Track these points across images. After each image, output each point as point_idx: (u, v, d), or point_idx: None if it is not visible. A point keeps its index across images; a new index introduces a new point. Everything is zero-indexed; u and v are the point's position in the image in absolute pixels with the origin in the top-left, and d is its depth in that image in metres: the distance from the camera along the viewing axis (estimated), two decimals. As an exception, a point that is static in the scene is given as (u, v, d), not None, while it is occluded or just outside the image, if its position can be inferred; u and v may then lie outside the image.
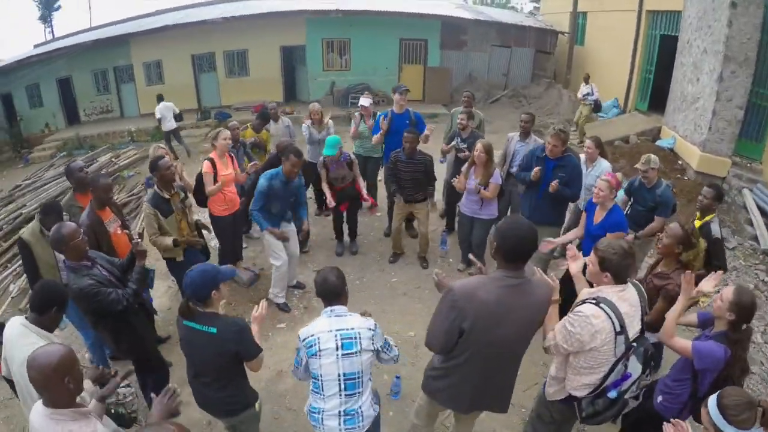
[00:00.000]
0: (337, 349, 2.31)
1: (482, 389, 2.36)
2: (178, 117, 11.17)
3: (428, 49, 13.45)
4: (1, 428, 3.67)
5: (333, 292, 2.42)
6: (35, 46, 19.21)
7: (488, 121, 10.85)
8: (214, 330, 2.35)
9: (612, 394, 2.21)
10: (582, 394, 2.28)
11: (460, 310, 2.12)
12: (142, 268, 3.11)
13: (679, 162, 7.45)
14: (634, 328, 2.18)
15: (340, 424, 2.38)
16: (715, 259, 3.35)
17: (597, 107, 9.82)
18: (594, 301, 2.17)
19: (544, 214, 4.34)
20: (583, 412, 2.31)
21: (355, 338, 2.33)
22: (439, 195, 6.05)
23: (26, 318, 2.48)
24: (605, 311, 2.12)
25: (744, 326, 2.29)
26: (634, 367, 2.18)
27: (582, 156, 4.75)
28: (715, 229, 3.47)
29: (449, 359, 2.31)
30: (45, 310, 2.48)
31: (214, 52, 14.08)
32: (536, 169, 4.26)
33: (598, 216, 3.66)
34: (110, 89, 15.22)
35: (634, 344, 2.18)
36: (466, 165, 4.80)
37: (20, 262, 5.07)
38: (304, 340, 2.37)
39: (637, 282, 2.31)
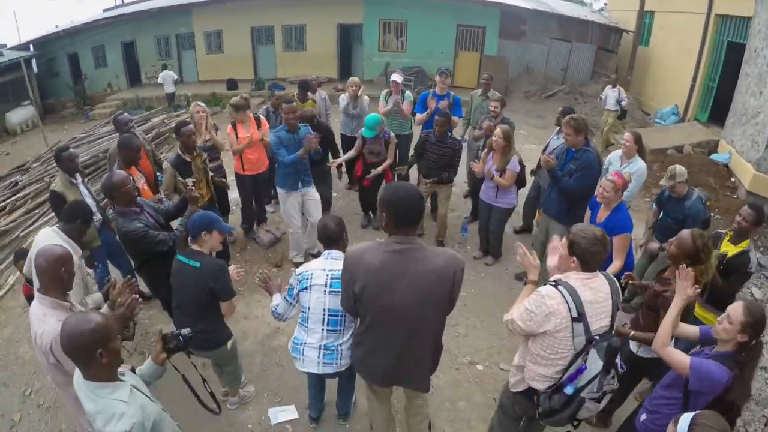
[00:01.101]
0: (326, 285, 2.57)
1: (393, 362, 2.39)
2: (177, 82, 13.94)
3: (486, 37, 13.28)
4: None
5: (331, 238, 2.68)
6: (104, 11, 20.20)
7: (540, 116, 11.27)
8: (198, 264, 2.74)
9: (568, 390, 2.10)
10: (540, 387, 2.20)
11: (351, 273, 2.24)
12: (191, 213, 3.36)
13: (732, 179, 7.38)
14: (599, 322, 2.10)
15: (319, 357, 2.63)
16: (733, 288, 3.19)
17: (623, 114, 9.48)
18: (553, 283, 2.14)
19: (553, 208, 4.28)
20: (540, 407, 2.21)
21: None
22: (460, 178, 6.11)
23: (57, 226, 3.09)
24: (562, 293, 2.07)
25: (753, 342, 2.11)
26: (594, 361, 2.06)
27: (618, 151, 4.64)
28: (754, 260, 3.19)
29: (359, 326, 2.43)
30: (72, 220, 3.11)
31: (273, 26, 14.52)
32: (544, 155, 4.21)
33: (602, 215, 3.54)
34: (172, 55, 15.98)
35: (597, 337, 2.09)
36: (485, 150, 4.85)
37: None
38: (299, 274, 2.66)
39: (612, 277, 2.22)
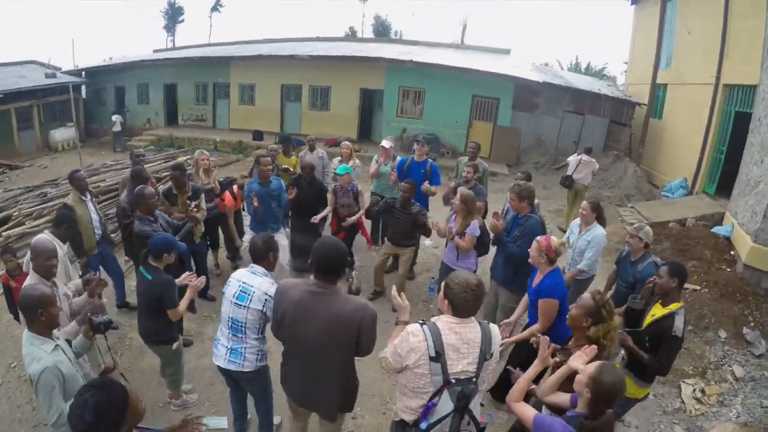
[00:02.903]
0: (233, 296, 2.92)
1: (307, 386, 2.69)
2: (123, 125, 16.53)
3: (499, 108, 13.61)
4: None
5: (257, 254, 3.02)
6: (154, 51, 22.25)
7: (546, 187, 11.15)
8: (150, 277, 3.35)
9: (423, 425, 2.22)
10: (408, 419, 2.30)
11: (277, 302, 2.63)
12: (188, 228, 4.59)
13: (732, 252, 7.19)
14: (459, 366, 2.16)
15: (226, 354, 2.99)
16: (662, 357, 3.03)
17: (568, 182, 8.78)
18: (421, 321, 2.25)
19: (500, 273, 4.36)
20: None
21: (250, 294, 2.88)
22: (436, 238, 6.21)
23: (48, 230, 3.98)
24: (424, 332, 2.18)
25: (605, 414, 2.04)
26: (445, 402, 2.17)
27: (578, 219, 4.70)
28: (679, 325, 3.00)
29: (284, 349, 2.73)
30: (59, 225, 4.01)
31: (301, 85, 15.44)
32: (492, 220, 4.27)
33: (536, 279, 3.52)
34: (208, 101, 17.17)
35: (453, 381, 2.16)
36: (450, 211, 5.00)
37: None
38: (241, 283, 2.98)
39: (489, 325, 2.27)
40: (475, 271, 4.81)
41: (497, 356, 2.28)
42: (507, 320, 3.79)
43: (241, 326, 2.90)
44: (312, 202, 5.85)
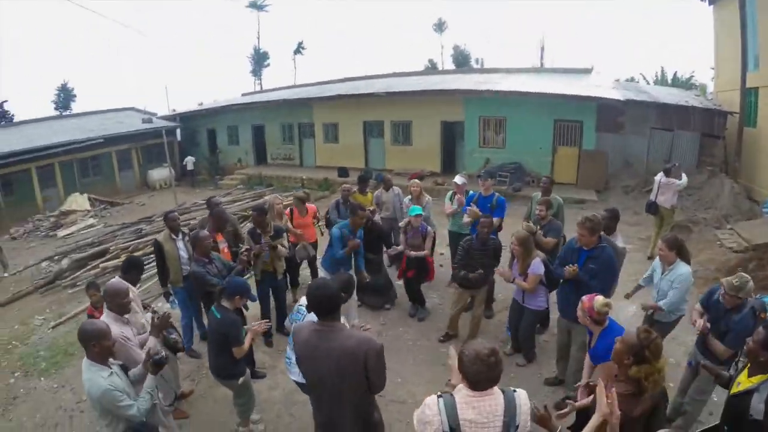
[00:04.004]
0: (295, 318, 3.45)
1: (327, 420, 2.84)
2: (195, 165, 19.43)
3: (583, 131, 13.25)
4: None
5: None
6: (243, 95, 23.99)
7: (637, 213, 10.68)
8: (219, 316, 3.76)
9: None
10: None
11: (293, 344, 2.87)
12: (238, 270, 4.85)
13: None
14: None
15: (294, 368, 3.32)
16: None
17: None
18: (439, 393, 2.20)
19: (572, 311, 3.83)
20: None
21: (302, 313, 3.38)
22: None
23: (118, 276, 4.35)
24: (439, 406, 2.13)
25: None
26: None
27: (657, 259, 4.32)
28: (758, 405, 2.48)
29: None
30: (128, 271, 4.39)
31: (383, 121, 16.07)
32: (570, 267, 4.07)
33: (592, 340, 3.40)
34: (294, 141, 18.38)
35: None
36: (509, 257, 4.95)
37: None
38: (298, 305, 3.55)
39: (515, 393, 2.17)
40: (546, 309, 4.95)
41: (526, 426, 2.15)
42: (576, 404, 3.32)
43: None
44: (374, 243, 6.22)
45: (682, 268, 4.04)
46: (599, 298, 3.22)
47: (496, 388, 2.14)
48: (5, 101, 39.35)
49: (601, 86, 14.28)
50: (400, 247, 6.09)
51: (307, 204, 6.85)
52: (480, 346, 2.11)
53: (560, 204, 6.07)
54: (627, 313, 5.39)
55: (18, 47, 75.90)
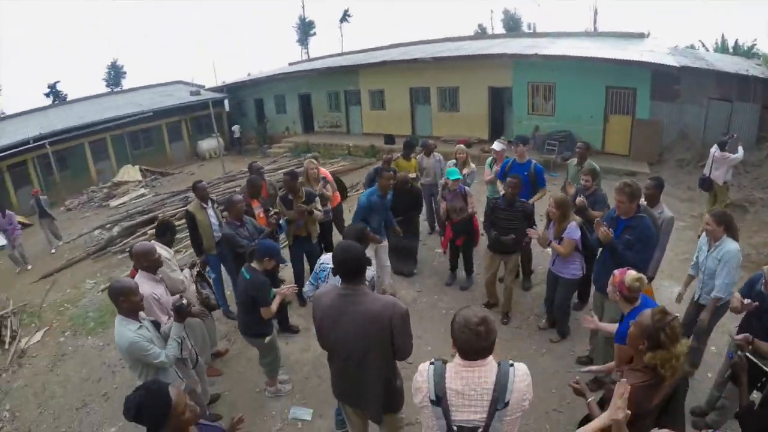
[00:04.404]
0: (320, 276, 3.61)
1: (349, 387, 2.86)
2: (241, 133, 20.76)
3: (637, 99, 12.67)
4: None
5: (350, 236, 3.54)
6: (290, 64, 24.53)
7: (691, 188, 10.14)
8: (248, 276, 3.86)
9: None
10: None
11: (314, 309, 2.78)
12: (267, 234, 5.00)
13: None
14: (465, 414, 2.01)
15: None
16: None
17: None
18: (432, 360, 2.15)
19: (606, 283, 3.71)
20: None
21: (327, 271, 3.53)
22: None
23: (155, 240, 4.58)
24: (428, 373, 2.08)
25: None
26: None
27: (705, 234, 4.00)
28: None
29: (328, 355, 2.93)
30: (163, 235, 4.68)
31: (429, 87, 16.00)
32: (602, 228, 3.78)
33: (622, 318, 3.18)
34: (340, 108, 18.65)
35: (453, 428, 2.02)
36: (545, 221, 4.87)
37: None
38: (320, 264, 3.68)
39: (513, 368, 2.04)
40: (581, 276, 4.61)
41: (518, 406, 2.01)
42: (593, 368, 3.33)
43: None
44: (409, 206, 6.15)
45: (730, 245, 3.74)
46: (631, 272, 2.98)
47: (490, 360, 2.04)
48: (58, 81, 41.75)
49: (656, 52, 13.47)
50: (443, 207, 5.84)
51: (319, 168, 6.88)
52: (470, 313, 2.01)
53: (598, 172, 5.73)
54: (671, 294, 4.93)
55: (69, 29, 79.77)
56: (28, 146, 15.74)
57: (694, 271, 4.18)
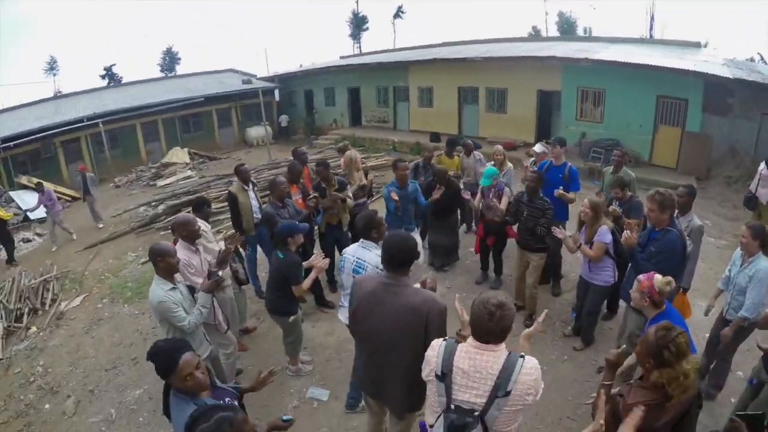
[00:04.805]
0: (351, 271, 3.48)
1: (374, 378, 2.85)
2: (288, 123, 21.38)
3: (688, 111, 12.32)
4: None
5: (363, 229, 3.53)
6: (341, 57, 25.06)
7: (737, 206, 9.73)
8: (282, 256, 4.03)
9: None
10: (428, 421, 2.23)
11: (352, 294, 2.79)
12: (305, 216, 5.23)
13: None
14: (465, 395, 2.03)
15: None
16: None
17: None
18: (446, 338, 2.21)
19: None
20: None
21: (365, 268, 3.42)
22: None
23: (193, 213, 4.75)
24: (440, 348, 2.13)
25: None
26: (438, 428, 2.08)
27: (739, 249, 3.88)
28: None
29: (355, 343, 2.99)
30: (200, 209, 4.92)
31: (478, 87, 16.07)
32: (626, 233, 3.62)
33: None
34: (388, 104, 19.03)
35: (453, 407, 2.04)
36: (577, 224, 4.81)
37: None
38: (342, 254, 3.66)
39: (523, 360, 2.02)
40: (613, 284, 4.51)
41: (520, 398, 1.99)
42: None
43: None
44: (448, 202, 6.14)
45: (764, 263, 3.61)
46: (658, 276, 2.90)
47: (502, 347, 2.06)
48: (113, 65, 43.74)
49: (711, 62, 13.07)
50: (477, 200, 5.93)
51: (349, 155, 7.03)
52: (492, 295, 2.07)
53: (632, 179, 5.72)
54: (700, 310, 4.57)
55: (127, 14, 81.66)
56: (81, 124, 16.83)
57: (724, 286, 4.08)
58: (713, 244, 7.32)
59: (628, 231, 3.61)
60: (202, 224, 4.53)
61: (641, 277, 2.92)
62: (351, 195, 6.02)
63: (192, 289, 3.55)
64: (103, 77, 42.30)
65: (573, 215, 5.70)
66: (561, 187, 5.16)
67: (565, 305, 5.79)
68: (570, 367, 4.80)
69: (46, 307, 7.28)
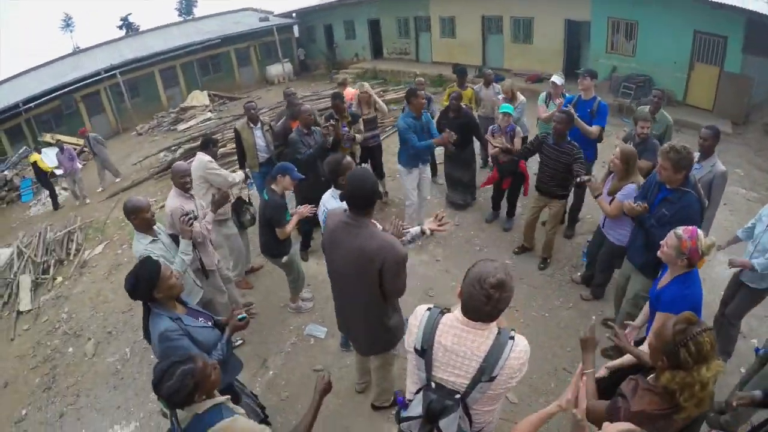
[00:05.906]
0: (322, 221, 3.44)
1: (344, 314, 2.92)
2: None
3: (727, 50, 11.26)
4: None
5: (330, 175, 3.58)
6: None
7: None
8: (266, 197, 4.05)
9: (403, 413, 1.97)
10: (409, 398, 2.01)
11: (323, 229, 2.88)
12: (323, 142, 5.24)
13: None
14: (446, 374, 1.83)
15: None
16: None
17: None
18: (430, 306, 1.95)
19: (637, 257, 3.45)
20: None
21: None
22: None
23: (200, 152, 4.93)
24: (421, 318, 1.90)
25: None
26: (416, 405, 1.87)
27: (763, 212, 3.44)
28: None
29: None
30: (206, 147, 4.92)
31: (502, 16, 15.17)
32: (638, 204, 3.32)
33: (664, 279, 2.67)
34: (410, 35, 18.37)
35: (431, 385, 1.86)
36: (606, 171, 4.30)
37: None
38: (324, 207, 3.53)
39: (513, 341, 1.79)
40: (629, 245, 3.87)
41: (505, 382, 1.79)
42: (632, 323, 3.04)
43: None
44: (462, 134, 5.62)
45: None
46: (702, 234, 2.46)
47: (492, 326, 1.81)
48: (129, 14, 42.76)
49: None
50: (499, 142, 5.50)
51: (348, 89, 7.08)
52: (490, 270, 1.75)
53: (669, 124, 5.24)
54: (729, 272, 3.82)
55: None
56: (99, 77, 17.07)
57: (744, 236, 3.68)
58: (743, 196, 6.84)
59: (638, 204, 3.32)
60: (207, 158, 4.79)
61: (683, 234, 2.44)
62: (362, 128, 6.09)
63: (175, 238, 3.60)
64: (120, 27, 41.68)
65: (601, 155, 5.46)
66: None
67: (577, 249, 5.51)
68: (574, 315, 4.55)
69: (71, 257, 7.67)
